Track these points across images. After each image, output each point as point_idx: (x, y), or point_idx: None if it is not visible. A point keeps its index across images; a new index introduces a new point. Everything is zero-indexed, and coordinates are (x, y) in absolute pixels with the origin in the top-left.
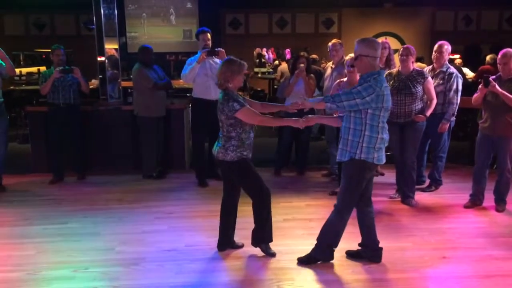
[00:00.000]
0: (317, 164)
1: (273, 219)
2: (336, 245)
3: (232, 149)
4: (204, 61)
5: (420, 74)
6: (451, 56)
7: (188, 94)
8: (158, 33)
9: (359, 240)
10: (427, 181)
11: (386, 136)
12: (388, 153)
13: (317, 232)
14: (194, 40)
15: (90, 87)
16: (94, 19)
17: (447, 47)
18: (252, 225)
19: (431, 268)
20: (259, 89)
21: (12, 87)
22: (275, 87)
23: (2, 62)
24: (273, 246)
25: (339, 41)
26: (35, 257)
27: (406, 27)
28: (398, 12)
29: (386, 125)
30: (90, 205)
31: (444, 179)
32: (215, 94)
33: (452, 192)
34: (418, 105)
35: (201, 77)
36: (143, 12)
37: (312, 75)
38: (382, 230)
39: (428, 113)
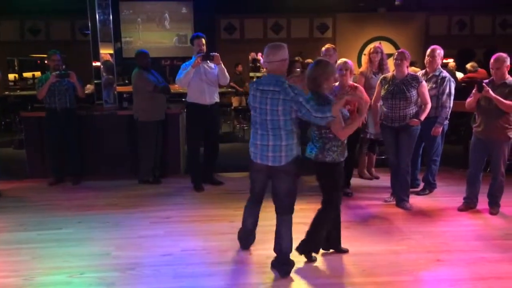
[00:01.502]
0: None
1: (267, 222)
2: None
3: (334, 150)
4: (198, 65)
5: (415, 78)
6: (444, 60)
7: (183, 99)
8: (153, 38)
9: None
10: (422, 184)
11: None
12: (383, 157)
13: None
14: (189, 45)
15: (86, 92)
16: (89, 24)
17: (440, 51)
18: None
19: (426, 271)
20: None
21: (6, 92)
22: None
23: None
24: (266, 250)
25: (333, 46)
26: (31, 262)
27: (400, 32)
28: (392, 17)
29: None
30: (85, 210)
31: (438, 183)
32: (209, 98)
33: (446, 195)
34: (413, 109)
35: (196, 81)
36: (138, 17)
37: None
38: (376, 234)
39: (423, 117)
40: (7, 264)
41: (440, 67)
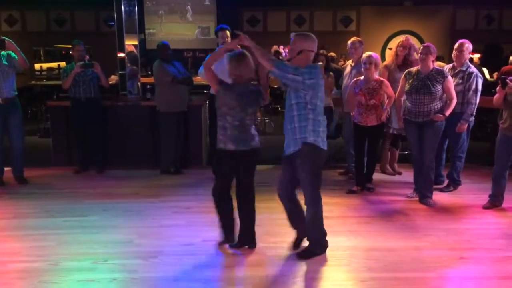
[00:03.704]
0: (334, 163)
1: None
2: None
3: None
4: (222, 58)
5: (440, 73)
6: (471, 55)
7: (205, 91)
8: (175, 30)
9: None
10: (446, 181)
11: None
12: (406, 152)
13: (333, 229)
14: (212, 37)
15: (110, 82)
16: (115, 15)
17: (468, 45)
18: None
19: (449, 269)
20: (275, 86)
21: (33, 82)
22: None
23: (15, 55)
24: (285, 242)
25: (359, 39)
26: (56, 248)
27: (426, 26)
28: (418, 11)
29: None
30: (109, 199)
31: (463, 180)
32: None
33: (471, 192)
34: (437, 105)
35: (218, 74)
36: (161, 9)
37: (331, 73)
38: (399, 230)
39: (448, 112)
40: (33, 249)
41: (468, 62)
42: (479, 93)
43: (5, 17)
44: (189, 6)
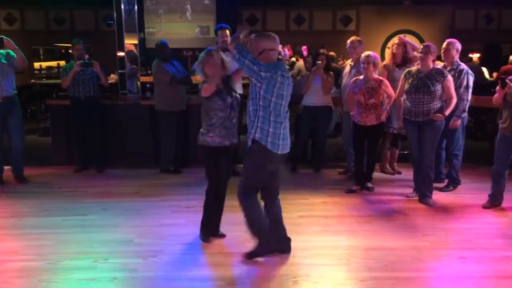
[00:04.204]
0: (334, 162)
1: (289, 215)
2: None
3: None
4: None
5: (440, 72)
6: (470, 55)
7: None
8: (175, 29)
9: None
10: (446, 181)
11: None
12: (406, 152)
13: (333, 229)
14: (212, 36)
15: (109, 81)
16: (115, 14)
17: (456, 44)
18: None
19: (448, 268)
20: None
21: (32, 80)
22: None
23: (14, 54)
24: (294, 242)
25: (358, 38)
26: (56, 247)
27: (425, 25)
28: (417, 10)
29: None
30: (108, 198)
31: (462, 179)
32: None
33: (471, 192)
34: (437, 104)
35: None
36: (160, 9)
37: (331, 72)
38: (398, 229)
39: (447, 112)
40: (32, 248)
41: (458, 60)
42: (470, 90)
43: (4, 16)
44: (188, 5)
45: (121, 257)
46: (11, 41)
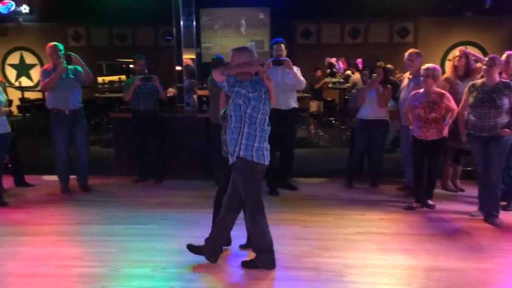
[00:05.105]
0: (391, 177)
1: (345, 231)
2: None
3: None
4: (271, 70)
5: (507, 86)
6: None
7: None
8: (230, 43)
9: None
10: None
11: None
12: (469, 168)
13: (391, 247)
14: (266, 50)
15: (168, 95)
16: (174, 30)
17: None
18: None
19: None
20: (329, 99)
21: (96, 94)
22: (346, 97)
23: (81, 69)
24: (345, 259)
25: (416, 50)
26: (117, 254)
27: (489, 36)
28: (480, 21)
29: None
30: (166, 208)
31: None
32: (284, 104)
33: None
34: (504, 119)
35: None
36: (216, 24)
37: (389, 85)
38: (462, 249)
39: None
40: (96, 255)
41: None
42: None
43: (71, 33)
44: (243, 20)
45: (178, 267)
46: (78, 57)
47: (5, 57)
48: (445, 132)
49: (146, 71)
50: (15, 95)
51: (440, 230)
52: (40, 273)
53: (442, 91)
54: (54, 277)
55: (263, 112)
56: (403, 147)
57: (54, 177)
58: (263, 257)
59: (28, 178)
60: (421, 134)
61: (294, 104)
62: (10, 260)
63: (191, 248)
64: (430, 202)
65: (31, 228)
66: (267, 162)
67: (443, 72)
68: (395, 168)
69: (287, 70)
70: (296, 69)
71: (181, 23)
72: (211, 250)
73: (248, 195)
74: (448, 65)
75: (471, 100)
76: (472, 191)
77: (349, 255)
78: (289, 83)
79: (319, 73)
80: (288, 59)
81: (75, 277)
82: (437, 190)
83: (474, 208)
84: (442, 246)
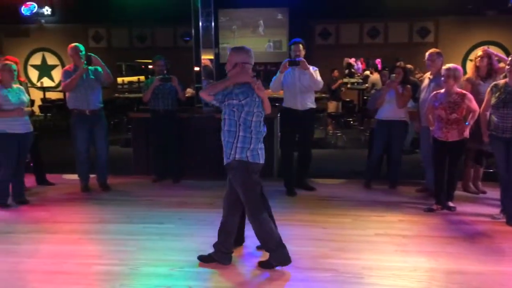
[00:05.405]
0: (410, 178)
1: (364, 232)
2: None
3: None
4: (288, 71)
5: None
6: None
7: (277, 104)
8: (247, 44)
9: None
10: None
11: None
12: (491, 170)
13: (411, 249)
14: (284, 50)
15: (186, 95)
16: (193, 31)
17: None
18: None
19: None
20: (348, 99)
21: (116, 95)
22: (365, 98)
23: (101, 70)
24: (363, 261)
25: (437, 50)
26: (136, 253)
27: (511, 36)
28: (502, 20)
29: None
30: (184, 207)
31: None
32: (301, 104)
33: None
34: None
35: (289, 87)
36: (234, 25)
37: (408, 86)
38: (484, 253)
39: None
40: (115, 253)
41: None
42: None
43: (92, 34)
44: (261, 21)
45: (196, 266)
46: (98, 58)
47: (28, 58)
48: (466, 133)
49: (165, 71)
50: (37, 96)
51: (460, 232)
52: (61, 270)
53: (463, 91)
54: (75, 274)
55: (257, 115)
56: (422, 148)
57: (75, 176)
58: (275, 255)
59: (49, 177)
60: (441, 135)
61: (311, 104)
62: (32, 257)
63: (202, 258)
64: (450, 204)
65: (51, 226)
66: (262, 161)
67: (465, 72)
68: (414, 169)
69: (304, 70)
70: (313, 70)
71: (200, 24)
72: (221, 253)
73: (246, 196)
74: (470, 66)
75: (493, 100)
76: (494, 193)
77: (367, 256)
78: (306, 84)
79: (336, 73)
80: (304, 60)
81: (95, 275)
82: (458, 192)
83: (495, 211)
84: (463, 248)
